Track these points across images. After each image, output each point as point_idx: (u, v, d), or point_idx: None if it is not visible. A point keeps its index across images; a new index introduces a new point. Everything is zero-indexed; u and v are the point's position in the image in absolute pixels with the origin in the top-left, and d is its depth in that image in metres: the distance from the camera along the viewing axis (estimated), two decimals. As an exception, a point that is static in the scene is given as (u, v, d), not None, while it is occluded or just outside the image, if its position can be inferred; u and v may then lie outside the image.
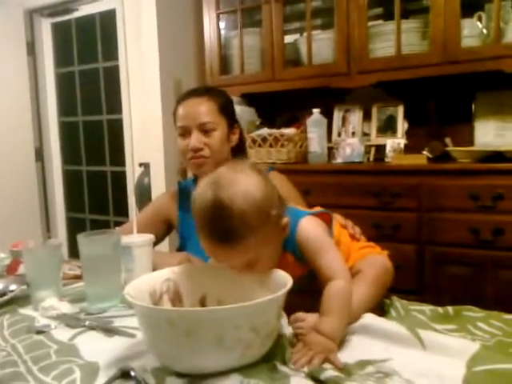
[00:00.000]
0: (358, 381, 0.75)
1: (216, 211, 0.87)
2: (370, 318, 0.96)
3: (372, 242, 1.18)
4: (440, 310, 1.05)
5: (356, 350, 0.87)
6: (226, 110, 1.50)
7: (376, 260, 1.07)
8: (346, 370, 0.80)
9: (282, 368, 0.81)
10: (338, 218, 1.19)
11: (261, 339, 0.80)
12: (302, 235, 0.97)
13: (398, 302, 1.09)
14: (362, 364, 0.82)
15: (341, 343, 0.89)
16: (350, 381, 0.76)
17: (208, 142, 1.45)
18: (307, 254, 0.97)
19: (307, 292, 0.94)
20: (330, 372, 0.78)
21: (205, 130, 1.45)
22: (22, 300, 1.21)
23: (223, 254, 0.91)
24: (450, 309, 1.05)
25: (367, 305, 0.99)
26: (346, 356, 0.85)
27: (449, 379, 0.76)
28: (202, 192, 0.91)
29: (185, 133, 1.47)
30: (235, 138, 1.55)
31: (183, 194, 1.60)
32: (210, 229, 0.89)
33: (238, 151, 1.58)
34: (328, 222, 1.05)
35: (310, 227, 0.98)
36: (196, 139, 1.44)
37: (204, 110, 1.45)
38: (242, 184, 0.89)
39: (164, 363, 0.82)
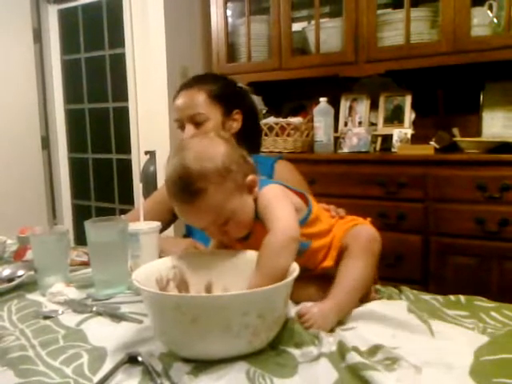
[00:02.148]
0: (372, 368, 0.75)
1: (177, 173, 0.93)
2: (377, 304, 0.97)
3: (354, 216, 1.14)
4: (452, 297, 1.06)
5: (365, 336, 0.87)
6: (220, 97, 1.48)
7: (360, 231, 1.04)
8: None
9: (290, 355, 0.81)
10: (321, 205, 1.18)
11: (267, 326, 0.80)
12: (260, 199, 0.98)
13: (408, 292, 1.09)
14: (372, 350, 0.82)
15: (349, 329, 0.91)
16: (367, 369, 0.74)
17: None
18: (260, 215, 0.97)
19: None
20: (353, 355, 0.77)
21: (196, 122, 1.45)
22: (29, 285, 1.22)
23: (191, 215, 0.96)
24: (461, 297, 1.05)
25: (362, 279, 0.99)
26: (358, 342, 0.84)
27: (456, 368, 0.76)
28: (168, 160, 0.97)
29: (180, 126, 1.49)
30: (236, 124, 1.52)
31: None
32: (175, 191, 0.94)
33: (246, 137, 1.52)
34: (304, 200, 1.05)
35: (268, 191, 0.98)
36: (188, 132, 1.44)
37: (194, 101, 1.45)
38: (202, 145, 0.96)
39: (171, 349, 0.82)
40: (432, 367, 0.76)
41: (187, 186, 0.91)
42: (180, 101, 1.48)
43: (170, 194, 0.96)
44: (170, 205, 1.60)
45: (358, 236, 1.02)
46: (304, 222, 1.00)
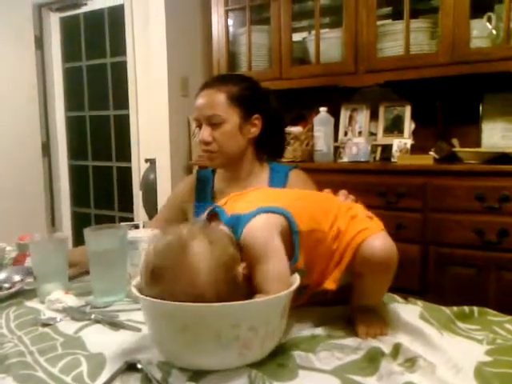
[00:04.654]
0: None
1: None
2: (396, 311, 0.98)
3: (364, 212, 1.04)
4: (466, 309, 1.05)
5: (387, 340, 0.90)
6: (241, 100, 1.44)
7: (373, 254, 0.90)
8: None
9: (291, 361, 0.82)
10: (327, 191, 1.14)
11: (260, 339, 0.79)
12: (242, 243, 0.86)
13: (419, 302, 1.08)
14: (395, 351, 0.85)
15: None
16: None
17: (216, 136, 1.43)
18: (247, 260, 0.86)
19: None
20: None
21: (213, 123, 1.42)
22: (28, 293, 1.22)
23: None
24: (475, 310, 1.05)
25: (380, 296, 1.02)
26: (381, 345, 0.87)
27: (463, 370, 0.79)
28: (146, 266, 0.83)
29: (198, 125, 1.47)
30: (254, 129, 1.48)
31: (201, 184, 1.60)
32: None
33: (265, 143, 1.52)
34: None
35: (251, 232, 0.87)
36: (204, 133, 1.43)
37: (213, 102, 1.42)
38: (184, 281, 0.79)
39: (165, 357, 0.82)
40: (442, 366, 0.79)
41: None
42: (200, 100, 1.45)
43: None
44: (181, 207, 1.61)
45: (372, 261, 0.90)
46: (298, 243, 0.92)
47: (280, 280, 0.84)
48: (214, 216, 0.96)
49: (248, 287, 0.85)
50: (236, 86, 1.45)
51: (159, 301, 0.78)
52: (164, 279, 0.79)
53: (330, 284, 0.94)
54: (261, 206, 0.92)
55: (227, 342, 0.76)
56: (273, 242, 0.86)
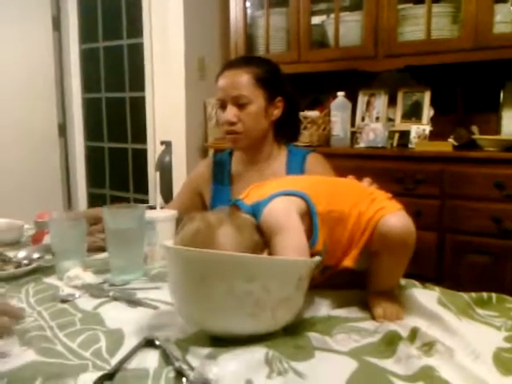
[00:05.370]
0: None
1: None
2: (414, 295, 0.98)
3: (382, 194, 1.03)
4: (484, 295, 1.04)
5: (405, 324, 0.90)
6: (265, 82, 1.44)
7: (390, 230, 0.91)
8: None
9: (307, 342, 0.82)
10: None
11: (273, 303, 0.80)
12: (262, 220, 0.90)
13: (437, 288, 1.07)
14: (412, 335, 0.85)
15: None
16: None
17: (241, 117, 1.42)
18: (265, 237, 0.89)
19: None
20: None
21: (239, 104, 1.42)
22: (46, 269, 1.23)
23: None
24: (493, 296, 1.04)
25: (397, 278, 1.02)
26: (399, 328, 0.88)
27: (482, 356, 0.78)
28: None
29: (222, 105, 1.46)
30: (277, 112, 1.48)
31: (217, 167, 1.60)
32: None
33: (284, 126, 1.53)
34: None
35: (270, 211, 0.90)
36: (229, 113, 1.43)
37: (239, 82, 1.42)
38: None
39: (182, 316, 0.86)
40: (461, 351, 0.79)
41: None
42: (224, 80, 1.44)
43: None
44: (198, 190, 1.61)
45: (388, 238, 0.91)
46: (317, 225, 0.93)
47: (296, 251, 0.86)
48: (234, 208, 0.98)
49: None
50: (260, 68, 1.45)
51: (182, 247, 0.82)
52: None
53: (348, 261, 0.96)
54: (283, 189, 0.95)
55: (240, 296, 0.78)
56: (290, 218, 0.89)
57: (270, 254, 0.88)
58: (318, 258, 0.86)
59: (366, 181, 1.14)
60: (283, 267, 0.82)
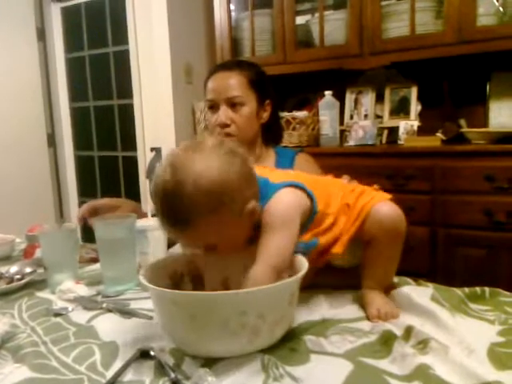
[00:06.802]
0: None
1: (166, 196, 0.83)
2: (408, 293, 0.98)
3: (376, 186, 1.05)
4: (478, 290, 1.04)
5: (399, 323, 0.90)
6: (257, 85, 1.46)
7: (382, 216, 0.93)
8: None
9: (302, 346, 0.82)
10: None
11: (269, 326, 0.79)
12: (266, 212, 0.88)
13: (430, 284, 1.07)
14: (406, 333, 0.85)
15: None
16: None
17: (235, 118, 1.42)
18: (262, 228, 0.89)
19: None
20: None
21: (233, 105, 1.42)
22: (38, 283, 1.22)
23: (179, 236, 0.89)
24: (487, 290, 1.04)
25: (393, 270, 1.02)
26: (393, 328, 0.88)
27: (476, 351, 0.78)
28: (158, 175, 0.86)
29: (213, 107, 1.45)
30: (266, 114, 1.50)
31: None
32: (163, 212, 0.86)
33: (270, 129, 1.55)
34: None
35: (277, 206, 0.89)
36: (223, 114, 1.42)
37: (233, 83, 1.42)
38: (196, 167, 0.83)
39: (176, 344, 0.83)
40: (456, 346, 0.79)
41: (175, 213, 0.83)
42: (217, 81, 1.45)
43: (157, 212, 0.87)
44: None
45: (382, 223, 0.93)
46: (310, 222, 0.95)
47: (279, 255, 0.86)
48: None
49: (250, 229, 0.89)
50: (251, 71, 1.47)
51: (168, 290, 0.79)
52: (179, 171, 0.83)
53: (338, 248, 0.97)
54: (292, 180, 0.94)
55: (236, 329, 0.76)
56: (292, 221, 0.88)
57: (255, 218, 0.87)
58: (305, 270, 0.83)
59: (345, 178, 1.15)
60: (276, 292, 0.80)
